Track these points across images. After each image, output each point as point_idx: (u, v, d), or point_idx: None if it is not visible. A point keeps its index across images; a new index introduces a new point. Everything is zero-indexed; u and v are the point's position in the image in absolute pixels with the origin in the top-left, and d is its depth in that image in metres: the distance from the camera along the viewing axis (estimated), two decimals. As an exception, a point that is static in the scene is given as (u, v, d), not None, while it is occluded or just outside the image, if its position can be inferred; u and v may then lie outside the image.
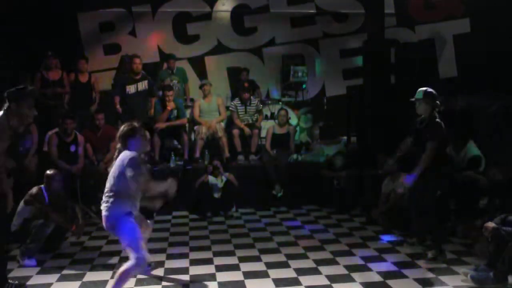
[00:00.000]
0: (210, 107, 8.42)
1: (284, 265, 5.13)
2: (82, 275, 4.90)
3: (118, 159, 4.17)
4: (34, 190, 5.50)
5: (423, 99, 5.12)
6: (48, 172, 5.64)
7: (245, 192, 7.70)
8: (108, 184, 4.15)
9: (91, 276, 4.88)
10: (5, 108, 4.18)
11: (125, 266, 4.00)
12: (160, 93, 8.39)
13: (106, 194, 4.13)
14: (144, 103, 8.34)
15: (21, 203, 5.48)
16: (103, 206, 4.13)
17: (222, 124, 8.45)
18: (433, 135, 5.05)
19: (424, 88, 5.17)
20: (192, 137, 8.55)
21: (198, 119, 8.34)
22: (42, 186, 5.57)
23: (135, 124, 4.31)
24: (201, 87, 8.55)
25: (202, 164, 8.03)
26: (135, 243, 4.02)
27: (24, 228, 5.33)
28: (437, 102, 5.13)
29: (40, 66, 8.23)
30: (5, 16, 8.53)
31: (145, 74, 8.39)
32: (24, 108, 4.21)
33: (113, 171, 4.15)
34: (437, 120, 5.12)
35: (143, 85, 8.26)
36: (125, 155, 4.11)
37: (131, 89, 8.21)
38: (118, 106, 8.18)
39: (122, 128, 4.32)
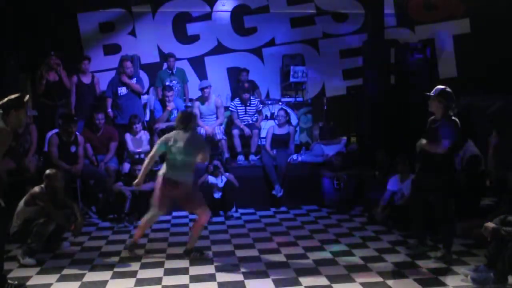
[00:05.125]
0: (209, 109, 8.41)
1: (284, 265, 5.13)
2: (82, 275, 4.90)
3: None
4: (35, 190, 5.49)
5: (437, 97, 5.05)
6: (48, 171, 5.63)
7: (245, 192, 7.71)
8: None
9: (91, 276, 4.88)
10: (2, 114, 4.34)
11: None
12: (159, 90, 8.44)
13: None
14: (136, 102, 8.40)
15: (21, 204, 5.45)
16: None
17: (221, 127, 8.41)
18: (447, 134, 4.96)
19: (442, 86, 5.11)
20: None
21: (198, 121, 8.32)
22: (43, 185, 5.56)
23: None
24: (201, 89, 8.50)
25: (202, 164, 8.02)
26: None
27: (24, 229, 5.32)
28: (452, 104, 5.04)
29: (40, 66, 8.24)
30: (5, 16, 8.55)
31: (136, 73, 8.42)
32: (22, 115, 4.49)
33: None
34: (453, 118, 5.02)
35: None
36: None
37: (122, 90, 8.28)
38: (109, 110, 8.24)
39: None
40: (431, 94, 5.10)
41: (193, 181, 5.41)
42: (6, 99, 4.39)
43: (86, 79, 8.32)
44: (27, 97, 4.53)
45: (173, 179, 5.19)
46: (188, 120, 5.35)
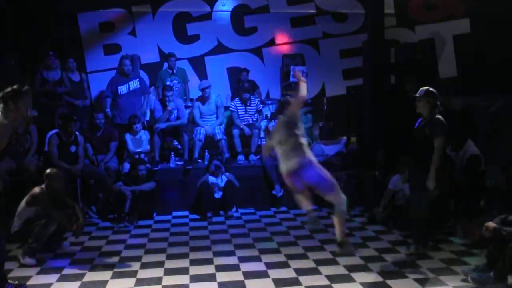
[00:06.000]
0: (209, 109, 8.42)
1: (284, 265, 5.13)
2: (82, 275, 4.90)
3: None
4: (36, 190, 5.47)
5: (423, 97, 5.21)
6: (48, 171, 5.62)
7: (245, 192, 7.71)
8: None
9: (91, 276, 4.89)
10: (2, 108, 4.25)
11: None
12: (159, 90, 8.42)
13: None
14: (137, 101, 8.41)
15: (22, 204, 5.45)
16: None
17: (221, 127, 8.43)
18: (436, 130, 5.09)
19: (426, 87, 5.28)
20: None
21: (198, 121, 8.34)
22: (43, 185, 5.56)
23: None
24: (202, 90, 8.51)
25: (202, 164, 8.04)
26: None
27: (25, 228, 5.32)
28: (438, 102, 5.21)
29: (40, 66, 8.24)
30: (5, 16, 8.54)
31: (137, 73, 8.41)
32: (22, 106, 4.33)
33: None
34: (438, 116, 5.17)
35: (134, 84, 8.37)
36: None
37: (123, 89, 8.29)
38: (108, 110, 8.25)
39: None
40: (417, 95, 5.26)
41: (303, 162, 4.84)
42: (2, 92, 4.28)
43: (75, 77, 8.36)
44: (26, 87, 4.41)
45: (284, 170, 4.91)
46: (281, 107, 5.08)
